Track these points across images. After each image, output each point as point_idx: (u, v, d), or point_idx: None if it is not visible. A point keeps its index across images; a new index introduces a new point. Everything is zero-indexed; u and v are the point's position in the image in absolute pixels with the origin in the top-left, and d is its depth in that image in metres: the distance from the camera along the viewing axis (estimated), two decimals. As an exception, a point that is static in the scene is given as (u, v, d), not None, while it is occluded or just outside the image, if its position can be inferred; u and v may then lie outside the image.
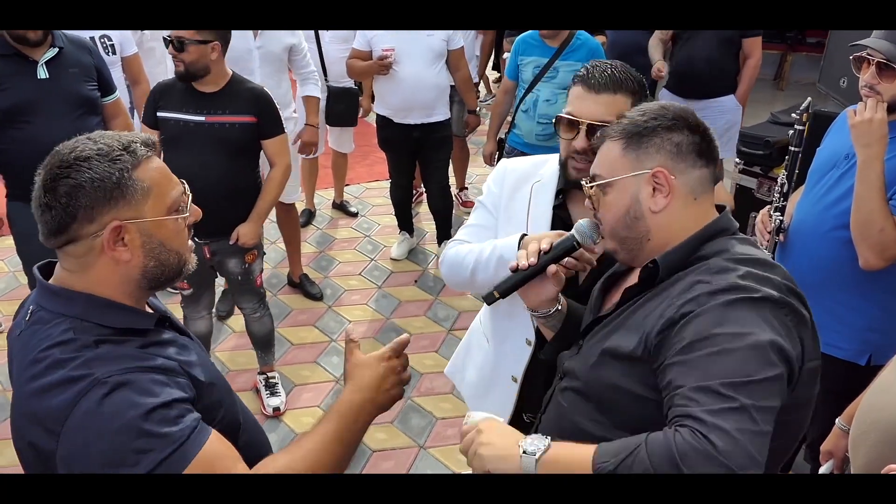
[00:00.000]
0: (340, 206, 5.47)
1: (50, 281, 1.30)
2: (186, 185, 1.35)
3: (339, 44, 4.60)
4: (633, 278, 1.48)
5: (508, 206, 1.92)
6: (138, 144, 1.27)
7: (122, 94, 3.79)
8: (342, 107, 4.72)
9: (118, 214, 1.23)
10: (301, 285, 4.40)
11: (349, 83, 4.72)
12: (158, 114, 2.92)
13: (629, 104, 1.70)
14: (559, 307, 1.63)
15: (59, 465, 1.17)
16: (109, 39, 3.64)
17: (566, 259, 1.57)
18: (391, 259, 4.81)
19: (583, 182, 1.49)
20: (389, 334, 4.04)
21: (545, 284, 1.59)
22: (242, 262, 3.10)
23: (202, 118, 2.87)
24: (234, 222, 2.99)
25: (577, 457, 1.20)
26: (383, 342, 3.97)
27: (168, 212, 1.29)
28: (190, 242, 1.36)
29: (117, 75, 3.71)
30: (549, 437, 1.25)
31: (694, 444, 1.09)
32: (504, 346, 1.95)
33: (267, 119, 2.96)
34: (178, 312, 3.04)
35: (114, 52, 3.67)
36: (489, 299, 1.60)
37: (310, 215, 5.28)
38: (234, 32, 3.00)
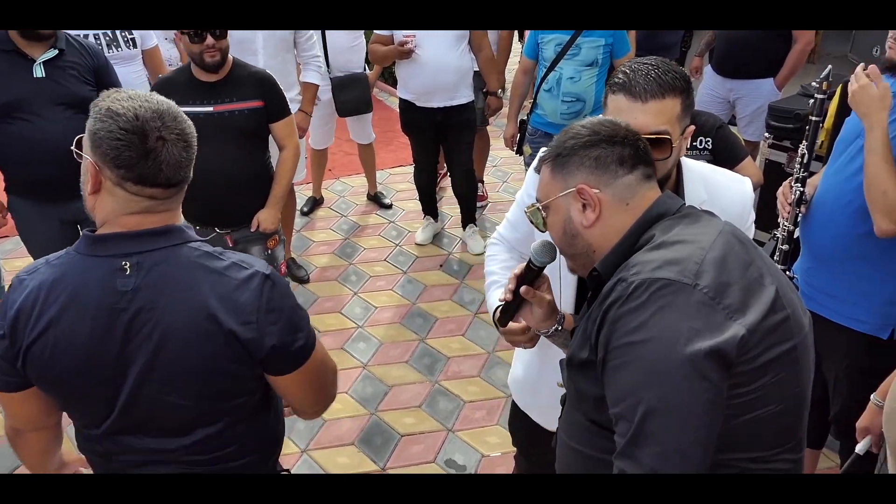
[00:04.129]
0: (374, 198, 5.42)
1: (135, 229, 1.38)
2: None
3: (347, 34, 4.55)
4: None
5: None
6: None
7: (143, 87, 3.83)
8: (352, 94, 4.63)
9: None
10: (288, 268, 4.30)
11: (356, 70, 4.64)
12: None
13: (679, 106, 1.59)
14: (558, 327, 1.68)
15: (260, 347, 1.39)
16: (130, 33, 3.68)
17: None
18: (416, 244, 4.82)
19: (524, 209, 1.56)
20: (415, 319, 4.05)
21: (532, 306, 1.65)
22: (265, 249, 3.12)
23: (210, 108, 2.86)
24: (253, 209, 3.01)
25: None
26: (409, 327, 4.02)
27: None
28: None
29: (138, 69, 3.75)
30: None
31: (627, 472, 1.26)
32: (549, 351, 1.87)
33: (273, 102, 2.95)
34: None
35: (134, 46, 3.70)
36: (497, 327, 1.78)
37: (314, 203, 5.28)
38: None
